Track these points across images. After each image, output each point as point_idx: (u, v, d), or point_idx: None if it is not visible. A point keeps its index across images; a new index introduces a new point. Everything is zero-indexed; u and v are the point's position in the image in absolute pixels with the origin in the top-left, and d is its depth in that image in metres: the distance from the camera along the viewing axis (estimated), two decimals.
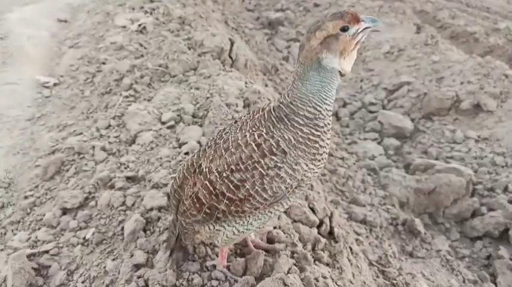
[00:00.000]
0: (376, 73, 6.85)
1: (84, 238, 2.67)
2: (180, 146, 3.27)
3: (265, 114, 1.75)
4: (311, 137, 1.67)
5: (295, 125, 1.67)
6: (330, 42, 1.60)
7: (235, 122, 1.91)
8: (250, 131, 1.74)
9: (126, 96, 4.07)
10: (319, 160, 1.73)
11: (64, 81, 4.81)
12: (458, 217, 4.32)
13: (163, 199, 2.70)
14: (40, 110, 4.39)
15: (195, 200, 1.87)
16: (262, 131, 1.71)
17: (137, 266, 2.30)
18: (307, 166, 1.70)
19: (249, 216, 1.83)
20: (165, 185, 2.85)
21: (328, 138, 1.73)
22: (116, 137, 3.58)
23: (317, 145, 1.69)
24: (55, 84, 4.79)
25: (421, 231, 3.99)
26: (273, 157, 1.66)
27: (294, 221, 2.59)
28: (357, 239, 3.42)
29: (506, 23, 9.69)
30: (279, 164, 1.66)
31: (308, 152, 1.68)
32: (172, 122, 3.54)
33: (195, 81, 4.07)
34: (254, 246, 2.28)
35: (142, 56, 4.84)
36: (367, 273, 2.73)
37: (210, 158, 1.83)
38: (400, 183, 4.51)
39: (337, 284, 2.19)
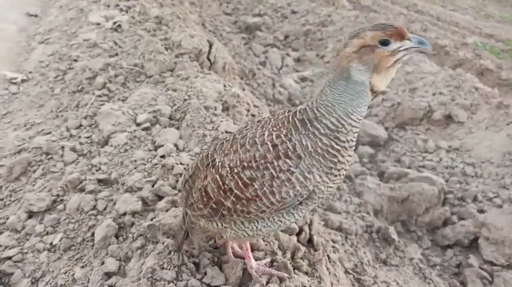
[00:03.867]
0: None
1: (51, 243, 2.52)
2: (156, 148, 3.17)
3: (290, 116, 1.68)
4: (330, 149, 1.59)
5: (316, 133, 1.59)
6: (364, 53, 1.51)
7: (259, 121, 1.85)
8: (270, 130, 1.69)
9: (99, 96, 3.92)
10: (336, 175, 1.65)
11: (33, 77, 4.59)
12: (430, 225, 4.38)
13: (138, 203, 2.59)
14: (6, 107, 4.15)
15: (203, 193, 1.83)
16: (282, 132, 1.65)
17: (108, 275, 2.19)
18: (320, 178, 1.62)
19: (257, 221, 1.77)
20: (140, 189, 2.74)
21: (349, 155, 1.64)
22: (88, 137, 3.44)
23: (335, 159, 1.61)
24: (23, 81, 4.56)
25: (394, 239, 4.02)
26: (287, 160, 1.60)
27: None
28: (333, 247, 3.40)
29: (473, 38, 10.07)
30: (292, 169, 1.59)
31: (324, 164, 1.60)
32: (148, 124, 3.43)
33: (172, 83, 3.97)
34: (233, 254, 2.22)
35: (116, 54, 4.68)
36: (344, 281, 2.70)
37: (226, 152, 1.78)
38: (374, 191, 4.54)
39: None
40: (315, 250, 2.50)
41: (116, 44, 4.91)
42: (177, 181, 2.75)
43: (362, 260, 3.56)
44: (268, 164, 1.62)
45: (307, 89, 6.69)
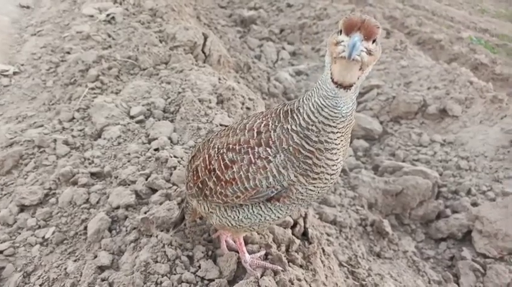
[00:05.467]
0: None
1: (43, 237, 2.49)
2: (149, 141, 3.15)
3: (280, 107, 1.67)
4: (301, 150, 1.51)
5: (289, 128, 1.54)
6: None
7: (262, 112, 1.87)
8: (262, 118, 1.70)
9: (92, 88, 3.87)
10: (314, 178, 1.56)
11: (25, 70, 4.53)
12: (423, 219, 4.40)
13: (131, 196, 2.57)
14: None
15: (194, 172, 1.89)
16: (269, 121, 1.65)
17: (101, 268, 2.17)
18: (296, 177, 1.56)
19: (238, 210, 1.78)
20: (133, 182, 2.71)
21: (329, 159, 1.52)
22: (80, 130, 3.40)
23: (309, 161, 1.52)
24: (15, 73, 4.50)
25: (388, 232, 4.03)
26: (268, 149, 1.59)
27: None
28: (327, 240, 3.40)
29: (468, 33, 10.09)
30: (270, 158, 1.58)
31: (297, 165, 1.54)
32: (141, 117, 3.40)
33: (167, 75, 3.93)
34: (227, 247, 2.20)
35: (110, 47, 4.63)
36: (338, 274, 2.70)
37: (221, 135, 1.84)
38: (369, 184, 4.55)
39: None
40: (310, 243, 2.49)
41: (109, 36, 4.85)
42: (171, 174, 2.73)
43: (356, 253, 3.56)
44: (249, 149, 1.63)
45: (302, 82, 6.67)
